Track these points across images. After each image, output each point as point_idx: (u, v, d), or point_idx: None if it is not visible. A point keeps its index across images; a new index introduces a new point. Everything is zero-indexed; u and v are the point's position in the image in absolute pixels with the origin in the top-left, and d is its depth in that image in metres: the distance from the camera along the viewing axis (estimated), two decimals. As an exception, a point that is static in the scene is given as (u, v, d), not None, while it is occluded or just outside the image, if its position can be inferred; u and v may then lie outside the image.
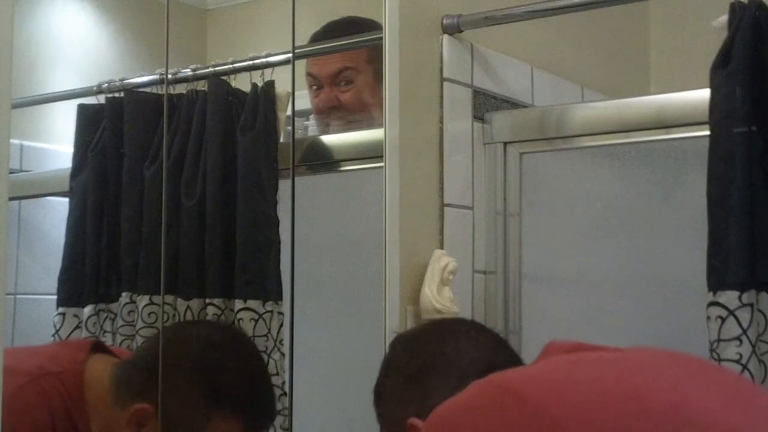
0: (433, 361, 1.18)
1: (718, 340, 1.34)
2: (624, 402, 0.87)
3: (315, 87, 1.76)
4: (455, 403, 0.96)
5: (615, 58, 2.39)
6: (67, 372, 1.28)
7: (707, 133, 1.38)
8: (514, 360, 1.19)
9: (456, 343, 1.19)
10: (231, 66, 1.61)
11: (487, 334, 1.24)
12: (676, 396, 0.89)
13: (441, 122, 1.74)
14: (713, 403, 0.89)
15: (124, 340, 1.55)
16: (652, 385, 0.90)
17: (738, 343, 1.33)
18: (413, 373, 1.19)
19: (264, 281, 1.53)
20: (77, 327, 1.57)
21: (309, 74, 1.76)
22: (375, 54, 1.68)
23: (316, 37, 1.73)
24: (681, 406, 0.87)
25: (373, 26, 1.69)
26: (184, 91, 1.62)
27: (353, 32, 1.75)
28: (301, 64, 1.72)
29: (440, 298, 1.59)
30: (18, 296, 1.46)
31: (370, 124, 1.71)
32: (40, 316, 1.57)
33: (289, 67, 1.60)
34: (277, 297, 1.54)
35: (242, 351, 1.44)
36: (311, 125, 1.79)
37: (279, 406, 1.51)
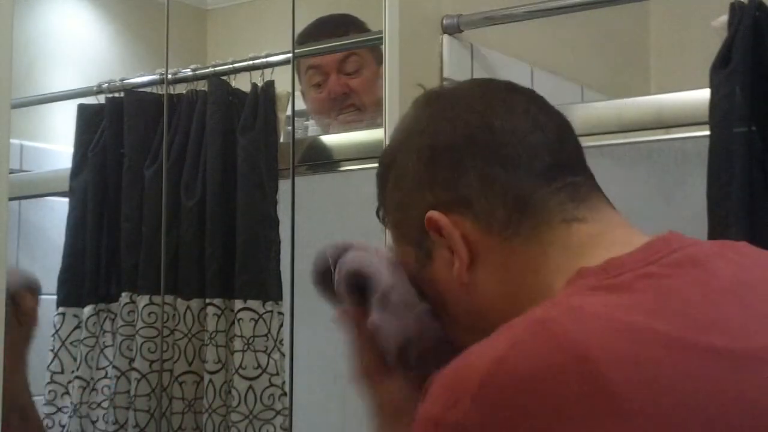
0: (475, 135, 0.85)
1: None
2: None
3: (318, 82, 1.76)
4: (501, 360, 0.68)
5: (615, 58, 2.39)
6: None
7: (707, 133, 1.38)
8: (578, 155, 0.88)
9: (510, 118, 0.85)
10: (231, 66, 1.61)
11: (550, 113, 0.89)
12: None
13: (441, 122, 1.73)
14: None
15: (124, 340, 1.56)
16: None
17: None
18: (444, 147, 0.85)
19: (264, 281, 1.53)
20: (77, 327, 1.58)
21: (312, 66, 1.75)
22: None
23: (309, 36, 1.73)
24: None
25: (360, 22, 1.71)
26: (184, 91, 1.62)
27: (347, 29, 1.76)
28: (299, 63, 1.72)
29: (440, 298, 1.59)
30: (18, 296, 1.46)
31: (378, 119, 1.70)
32: (40, 316, 1.57)
33: (289, 67, 1.60)
34: (277, 297, 1.54)
35: None
36: (311, 125, 1.79)
37: (279, 406, 1.51)
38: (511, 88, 0.91)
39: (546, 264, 0.81)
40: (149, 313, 1.55)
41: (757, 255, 0.82)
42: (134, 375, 1.54)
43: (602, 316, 0.70)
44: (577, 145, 0.89)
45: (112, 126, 1.62)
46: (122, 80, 1.64)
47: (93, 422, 1.56)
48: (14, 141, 1.27)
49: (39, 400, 1.53)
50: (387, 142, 1.56)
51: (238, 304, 1.51)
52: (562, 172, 0.84)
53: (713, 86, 1.38)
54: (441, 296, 0.88)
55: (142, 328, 1.55)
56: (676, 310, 0.71)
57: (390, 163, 0.91)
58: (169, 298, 1.56)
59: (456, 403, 0.67)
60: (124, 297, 1.57)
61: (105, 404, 1.55)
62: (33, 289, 1.49)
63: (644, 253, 0.77)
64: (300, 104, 1.73)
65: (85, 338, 1.57)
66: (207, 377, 1.51)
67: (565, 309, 0.71)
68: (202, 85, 1.61)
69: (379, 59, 1.71)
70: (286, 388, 1.52)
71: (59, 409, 1.55)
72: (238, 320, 1.50)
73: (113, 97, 1.63)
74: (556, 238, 0.82)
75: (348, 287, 0.92)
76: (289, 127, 1.66)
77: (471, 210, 0.83)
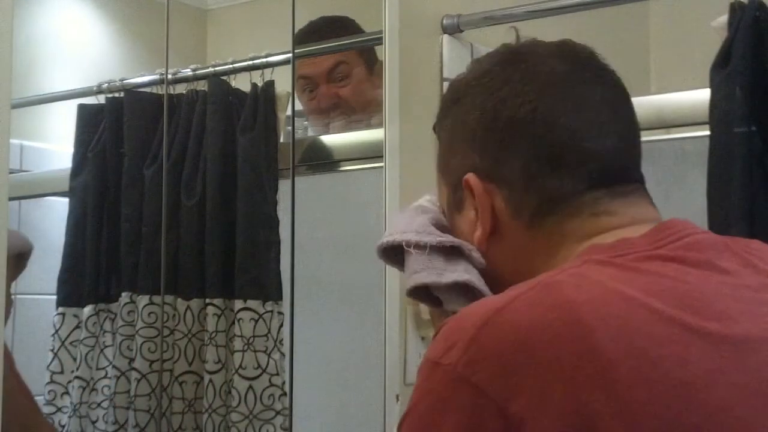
0: (537, 124, 0.84)
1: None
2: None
3: (309, 89, 1.76)
4: (499, 311, 0.71)
5: (615, 58, 2.38)
6: None
7: (707, 133, 1.38)
8: (632, 161, 0.88)
9: (577, 118, 0.85)
10: (231, 66, 1.61)
11: (620, 115, 0.88)
12: None
13: (441, 122, 1.74)
14: None
15: (123, 340, 1.55)
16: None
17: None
18: (505, 121, 0.85)
19: (264, 281, 1.53)
20: (77, 327, 1.57)
21: (302, 77, 1.75)
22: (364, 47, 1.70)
23: (302, 39, 1.73)
24: None
25: (354, 25, 1.70)
26: (184, 91, 1.62)
27: (340, 31, 1.76)
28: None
29: (440, 298, 1.59)
30: (18, 296, 1.46)
31: (372, 120, 1.71)
32: (40, 316, 1.57)
33: (289, 67, 1.60)
34: (277, 297, 1.54)
35: None
36: (311, 125, 1.79)
37: (279, 406, 1.51)
38: (594, 77, 0.89)
39: (560, 251, 0.83)
40: (149, 313, 1.55)
41: (762, 248, 0.84)
42: (134, 375, 1.54)
43: (603, 285, 0.72)
44: (634, 150, 0.89)
45: (112, 126, 1.62)
46: (122, 80, 1.64)
47: (93, 422, 1.55)
48: (14, 141, 1.27)
49: (39, 400, 1.53)
50: (386, 142, 1.56)
51: (238, 304, 1.51)
52: (608, 177, 0.85)
53: (713, 86, 1.38)
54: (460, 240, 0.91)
55: (142, 328, 1.55)
56: (675, 292, 0.73)
57: (456, 99, 0.92)
58: (169, 298, 1.56)
59: (452, 347, 0.71)
60: (124, 297, 1.57)
61: (105, 404, 1.55)
62: (22, 254, 1.47)
63: (655, 236, 0.80)
64: (300, 104, 1.73)
65: (85, 338, 1.57)
66: (207, 377, 1.51)
67: (569, 275, 0.74)
68: (202, 85, 1.61)
69: (369, 63, 1.71)
70: (286, 388, 1.52)
71: (59, 409, 1.55)
72: (238, 320, 1.50)
73: (113, 97, 1.63)
74: (579, 229, 0.83)
75: (418, 297, 0.94)
76: (289, 127, 1.66)
77: (507, 190, 0.86)
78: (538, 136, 0.85)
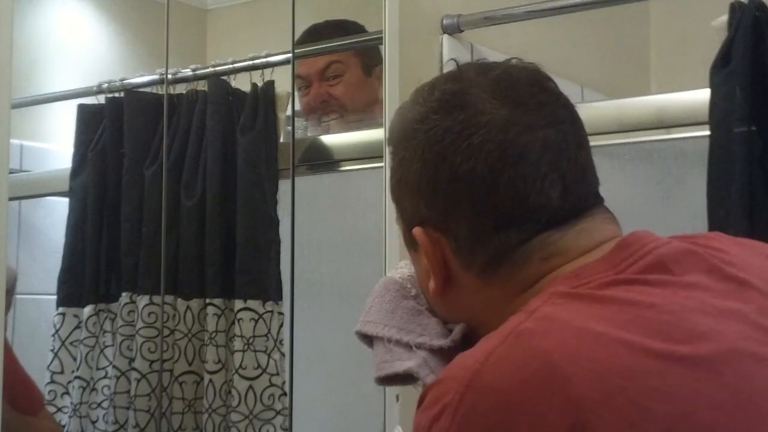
0: (478, 184, 0.82)
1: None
2: None
3: (304, 87, 1.76)
4: (477, 373, 0.70)
5: (615, 58, 2.39)
6: None
7: (707, 133, 1.38)
8: (582, 198, 0.84)
9: (519, 171, 0.81)
10: (231, 66, 1.61)
11: (565, 158, 0.83)
12: None
13: (441, 122, 1.73)
14: None
15: (124, 340, 1.56)
16: None
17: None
18: (448, 177, 0.83)
19: (264, 281, 1.53)
20: (77, 327, 1.57)
21: (298, 76, 1.76)
22: (362, 48, 1.69)
23: (303, 40, 1.73)
24: None
25: (355, 27, 1.71)
26: (184, 91, 1.62)
27: (339, 33, 1.76)
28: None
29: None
30: (18, 296, 1.46)
31: (364, 119, 1.71)
32: (40, 316, 1.57)
33: (289, 67, 1.60)
34: (277, 297, 1.54)
35: None
36: (311, 125, 1.80)
37: (279, 406, 1.51)
38: (536, 119, 0.83)
39: (515, 298, 0.82)
40: (149, 313, 1.55)
41: (727, 246, 0.83)
42: (134, 375, 1.54)
43: (571, 326, 0.71)
44: (584, 183, 0.85)
45: (112, 126, 1.62)
46: (122, 80, 1.64)
47: (93, 422, 1.56)
48: (14, 141, 1.27)
49: (39, 400, 1.54)
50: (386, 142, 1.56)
51: (238, 304, 1.51)
52: (557, 222, 0.82)
53: (713, 86, 1.38)
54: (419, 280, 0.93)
55: (142, 328, 1.55)
56: (643, 319, 0.72)
57: (402, 139, 0.89)
58: (169, 298, 1.56)
59: (439, 416, 0.71)
60: (124, 297, 1.57)
61: (105, 404, 1.55)
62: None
63: (615, 257, 0.78)
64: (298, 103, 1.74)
65: (85, 338, 1.57)
66: (207, 377, 1.51)
67: (538, 319, 0.73)
68: (202, 85, 1.61)
69: (367, 64, 1.71)
70: (286, 388, 1.52)
71: (59, 409, 1.55)
72: (238, 320, 1.50)
73: (113, 97, 1.63)
74: (531, 275, 0.82)
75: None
76: (289, 127, 1.66)
77: (455, 242, 0.84)
78: (480, 197, 0.82)
